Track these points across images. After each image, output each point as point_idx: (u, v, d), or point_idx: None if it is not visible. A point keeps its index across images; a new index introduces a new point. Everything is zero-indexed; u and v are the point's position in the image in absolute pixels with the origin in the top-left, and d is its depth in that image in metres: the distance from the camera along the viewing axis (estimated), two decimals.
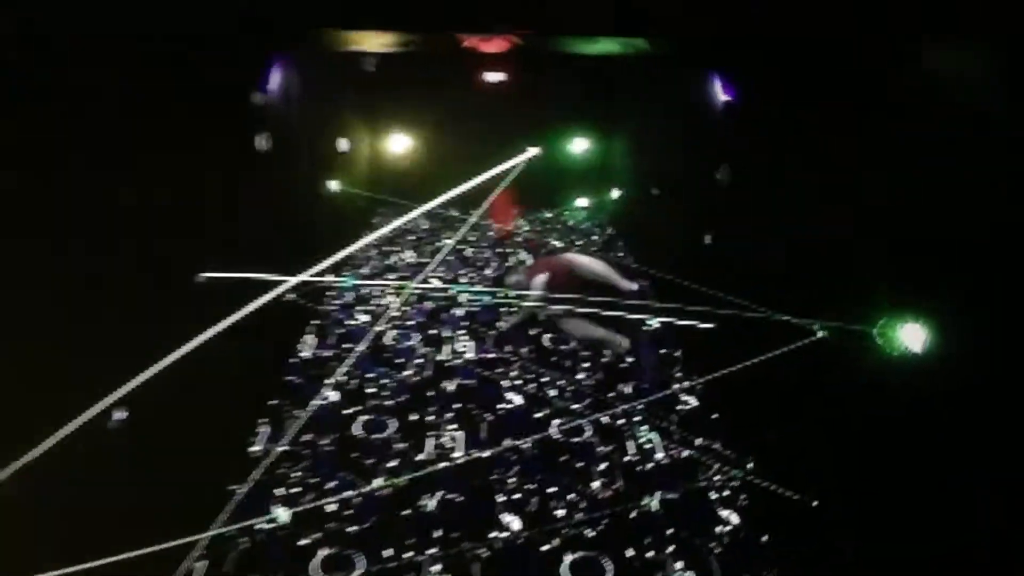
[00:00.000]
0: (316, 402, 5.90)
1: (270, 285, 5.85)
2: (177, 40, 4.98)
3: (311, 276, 6.37)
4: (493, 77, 10.53)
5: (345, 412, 5.97)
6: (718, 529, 4.88)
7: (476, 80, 10.55)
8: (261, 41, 6.42)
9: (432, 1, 5.85)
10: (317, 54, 7.92)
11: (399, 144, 11.69)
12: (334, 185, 9.11)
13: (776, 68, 6.09)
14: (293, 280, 6.14)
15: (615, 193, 11.27)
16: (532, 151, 9.86)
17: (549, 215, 11.74)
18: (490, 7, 5.96)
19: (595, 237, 10.61)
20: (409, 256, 9.75)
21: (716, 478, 5.32)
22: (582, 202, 11.78)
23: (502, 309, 7.68)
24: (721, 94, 7.15)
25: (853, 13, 5.03)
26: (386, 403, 6.11)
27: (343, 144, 9.74)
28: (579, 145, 11.44)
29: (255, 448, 5.51)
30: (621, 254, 9.72)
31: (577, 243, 10.23)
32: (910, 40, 4.74)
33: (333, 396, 6.13)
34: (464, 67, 10.30)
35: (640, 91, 10.05)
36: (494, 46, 7.70)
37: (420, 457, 5.49)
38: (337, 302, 7.98)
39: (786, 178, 5.94)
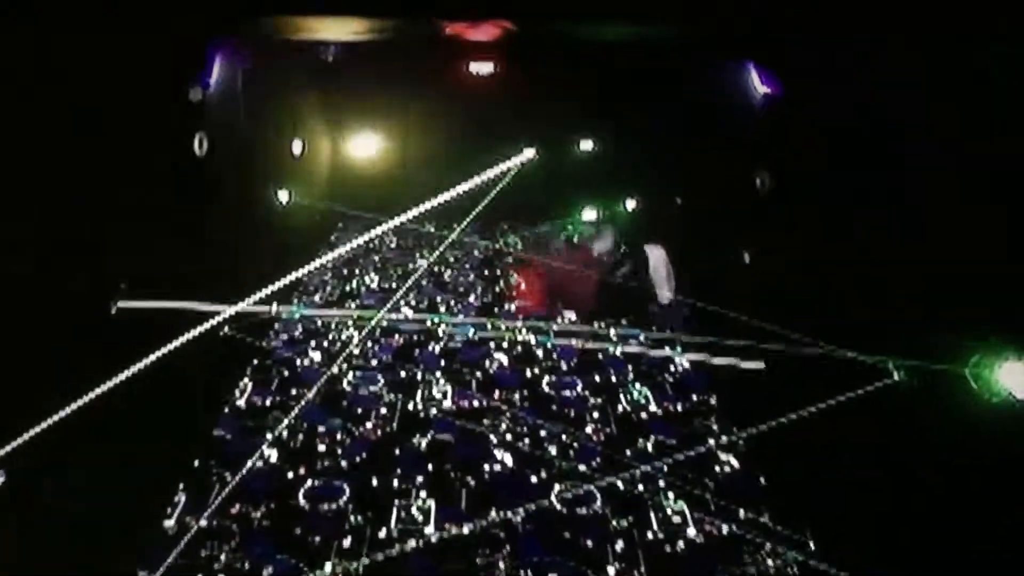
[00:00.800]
0: (251, 463, 5.57)
1: (200, 316, 5.68)
2: (96, 21, 4.77)
3: (251, 305, 6.21)
4: (481, 68, 10.47)
5: (288, 476, 5.60)
6: None
7: (460, 72, 10.48)
8: (199, 25, 6.27)
9: None
10: (266, 41, 7.79)
11: (364, 147, 11.53)
12: (284, 195, 8.91)
13: (828, 52, 5.92)
14: (229, 310, 5.98)
15: (629, 203, 11.09)
16: (528, 153, 9.77)
17: (548, 229, 11.53)
18: None
19: (604, 257, 10.37)
20: (374, 280, 9.45)
21: (765, 562, 4.95)
22: (589, 214, 11.56)
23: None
24: (759, 85, 7.01)
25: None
26: (340, 463, 5.75)
27: (296, 147, 9.56)
28: (585, 146, 11.29)
29: (170, 522, 5.14)
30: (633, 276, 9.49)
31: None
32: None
33: (272, 455, 5.77)
34: (446, 57, 10.24)
35: (659, 82, 9.90)
36: (482, 33, 7.60)
37: (382, 534, 5.11)
38: (282, 337, 7.68)
39: (841, 183, 5.71)
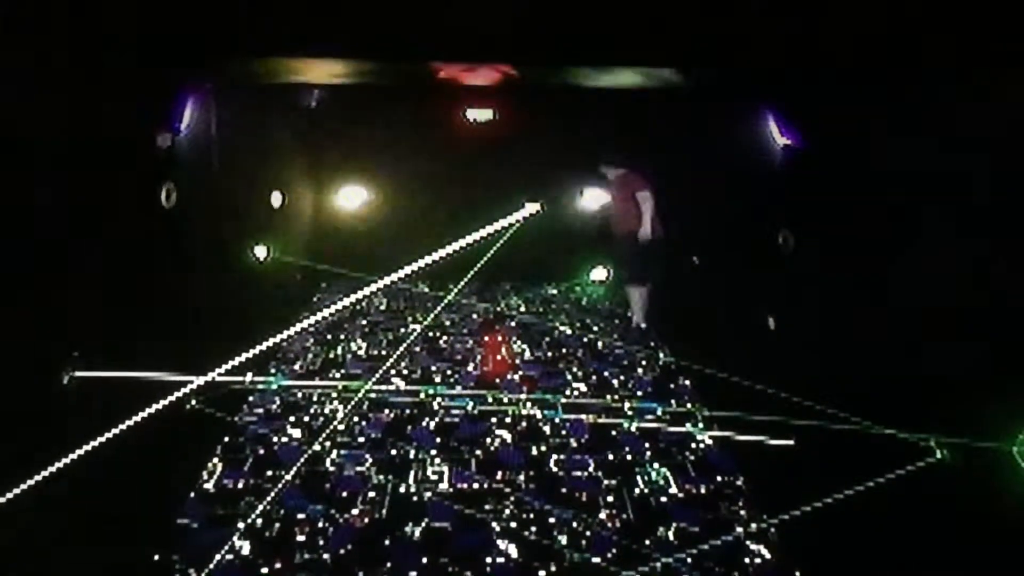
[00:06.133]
0: (220, 556, 5.39)
1: (163, 388, 5.63)
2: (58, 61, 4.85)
3: (222, 375, 6.17)
4: (479, 116, 10.65)
5: (262, 571, 5.43)
6: None
7: (456, 119, 10.66)
8: (169, 68, 6.37)
9: (397, 22, 5.80)
10: (244, 85, 7.91)
11: (350, 199, 11.62)
12: (261, 251, 8.93)
13: (853, 100, 6.02)
14: (196, 380, 5.94)
15: None
16: (531, 207, 9.85)
17: (554, 291, 11.56)
18: (474, 30, 5.92)
19: (616, 320, 10.38)
20: (361, 348, 9.41)
21: None
22: (598, 274, 11.64)
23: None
24: (779, 136, 7.11)
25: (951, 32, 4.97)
26: (323, 556, 5.63)
27: (275, 198, 9.63)
28: (593, 200, 11.38)
29: None
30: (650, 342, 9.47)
31: (593, 328, 9.99)
32: None
33: (245, 547, 5.62)
34: (440, 103, 10.42)
35: (672, 133, 10.05)
36: (480, 78, 7.72)
37: None
38: (257, 411, 7.57)
39: (871, 241, 5.76)
